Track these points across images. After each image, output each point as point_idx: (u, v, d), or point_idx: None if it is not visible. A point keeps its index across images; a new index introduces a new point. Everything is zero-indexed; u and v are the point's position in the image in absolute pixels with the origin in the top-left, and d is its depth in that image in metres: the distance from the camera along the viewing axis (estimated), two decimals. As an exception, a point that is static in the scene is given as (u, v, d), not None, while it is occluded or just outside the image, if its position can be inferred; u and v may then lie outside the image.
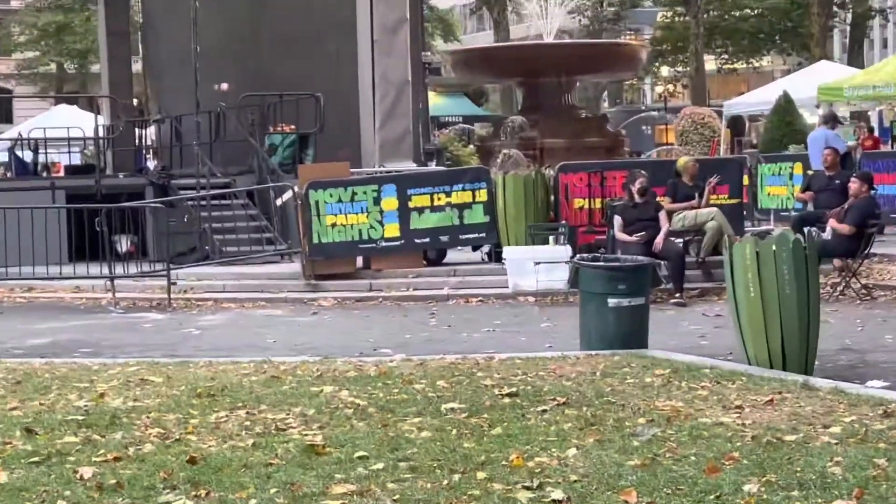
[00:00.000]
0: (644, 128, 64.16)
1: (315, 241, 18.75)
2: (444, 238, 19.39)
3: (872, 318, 14.81)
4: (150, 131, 29.70)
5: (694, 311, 15.93)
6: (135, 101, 34.02)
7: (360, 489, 6.63)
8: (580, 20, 62.43)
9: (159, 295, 18.47)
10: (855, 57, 53.35)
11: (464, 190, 19.23)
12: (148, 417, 8.69)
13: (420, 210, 19.06)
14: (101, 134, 27.34)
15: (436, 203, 19.12)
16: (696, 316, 15.54)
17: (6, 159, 32.40)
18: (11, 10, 69.56)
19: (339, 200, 18.88)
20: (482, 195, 19.14)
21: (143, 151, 29.21)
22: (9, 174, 29.92)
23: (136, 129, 29.93)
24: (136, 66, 36.21)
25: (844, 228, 16.88)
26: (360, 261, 19.35)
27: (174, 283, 18.59)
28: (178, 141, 26.16)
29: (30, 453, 7.55)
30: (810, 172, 20.42)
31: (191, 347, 14.01)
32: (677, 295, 16.76)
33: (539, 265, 17.45)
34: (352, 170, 20.57)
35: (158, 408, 9.04)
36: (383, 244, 19.10)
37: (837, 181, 18.42)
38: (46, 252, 20.03)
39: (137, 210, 21.36)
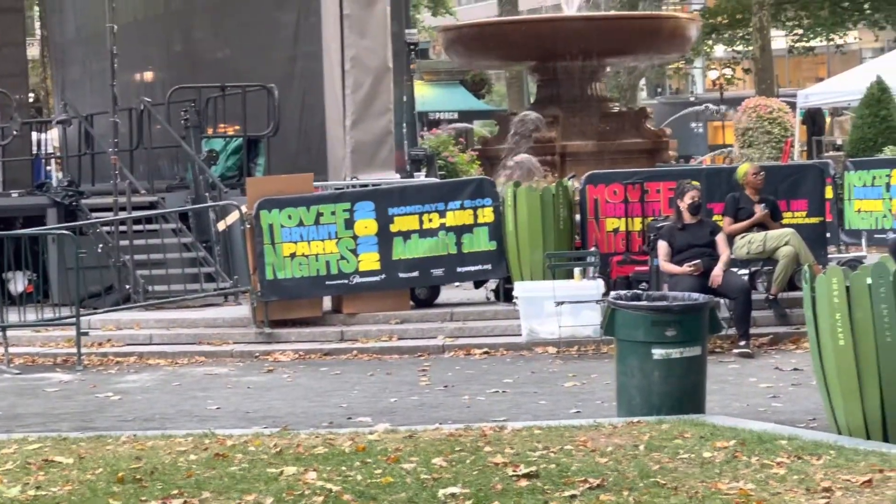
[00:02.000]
0: (694, 125, 64.46)
1: (269, 276, 18.67)
2: (437, 271, 19.33)
3: None
4: (52, 135, 29.63)
5: (764, 364, 15.90)
6: (31, 97, 33.92)
7: None
8: None
9: (66, 349, 18.28)
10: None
11: (462, 208, 19.23)
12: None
13: (405, 235, 19.03)
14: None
15: (426, 226, 19.11)
16: (768, 370, 15.50)
17: None
18: None
19: (301, 223, 18.81)
20: (486, 215, 19.17)
21: (44, 162, 29.14)
22: None
23: (34, 134, 29.90)
24: (33, 51, 36.16)
25: None
26: (328, 302, 19.35)
27: (86, 334, 18.33)
28: (88, 148, 26.01)
29: None
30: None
31: (109, 417, 13.88)
32: (742, 343, 16.71)
33: (562, 305, 17.43)
34: (316, 183, 20.52)
35: (69, 497, 8.98)
36: (358, 280, 19.05)
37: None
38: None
39: (36, 239, 21.15)
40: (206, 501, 8.77)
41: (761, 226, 18.25)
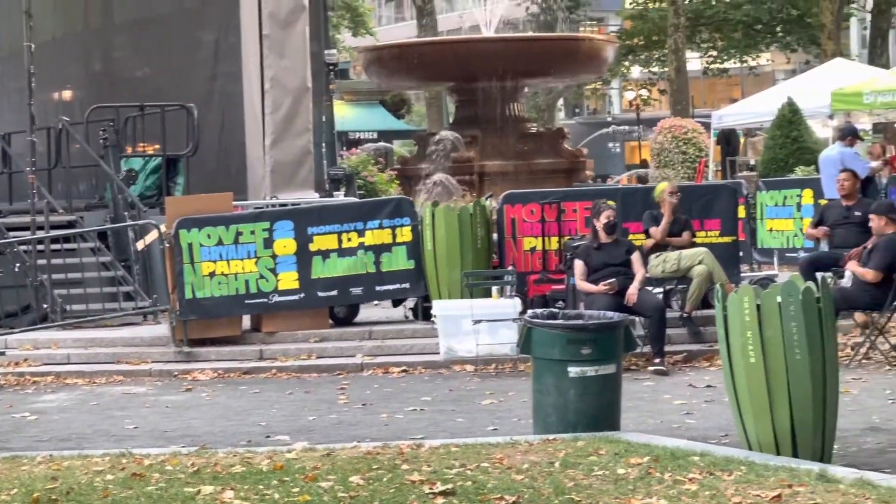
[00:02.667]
0: (611, 145, 64.68)
1: (188, 295, 18.54)
2: (355, 290, 19.29)
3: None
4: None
5: (678, 381, 15.97)
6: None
7: None
8: (528, 8, 62.77)
9: (-14, 368, 18.13)
10: (877, 54, 53.89)
11: (381, 228, 19.20)
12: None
13: (324, 254, 18.98)
14: None
15: (345, 245, 19.06)
16: (681, 387, 15.54)
17: None
18: None
19: (220, 243, 18.71)
20: (405, 234, 19.15)
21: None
22: None
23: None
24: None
25: (868, 274, 17.00)
26: (247, 321, 19.26)
27: (2, 354, 18.21)
28: (4, 167, 25.84)
29: None
30: (823, 202, 20.67)
31: (25, 437, 13.73)
32: (657, 360, 16.80)
33: (479, 324, 17.43)
34: (236, 202, 20.43)
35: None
36: (277, 299, 18.97)
37: (857, 213, 18.62)
38: None
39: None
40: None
41: (678, 236, 18.45)
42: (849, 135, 24.98)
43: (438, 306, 18.27)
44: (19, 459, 11.34)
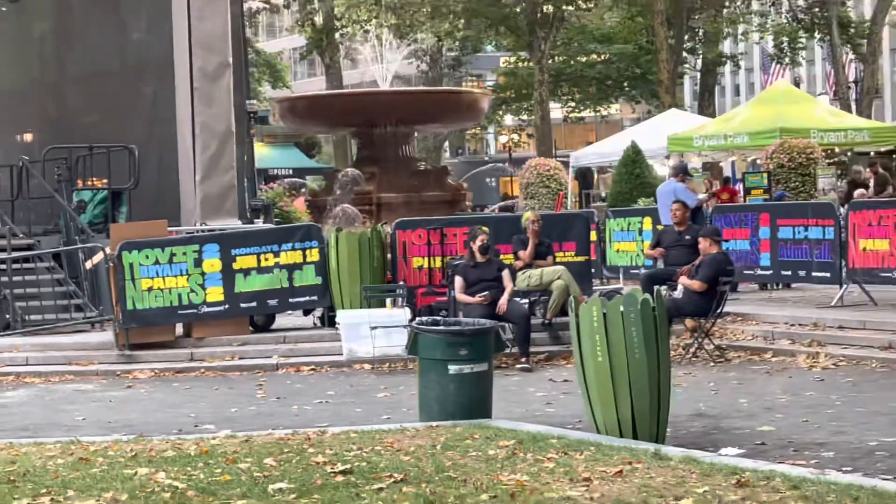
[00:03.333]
0: (488, 180, 64.82)
1: (129, 307, 18.32)
2: (272, 302, 19.19)
3: (726, 381, 15.07)
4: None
5: (540, 377, 15.99)
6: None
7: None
8: (418, 66, 62.90)
9: (-44, 368, 17.81)
10: (706, 105, 54.42)
11: (294, 249, 19.11)
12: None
13: (246, 272, 18.83)
14: None
15: (263, 264, 18.93)
16: (543, 382, 15.58)
17: None
18: None
19: (156, 262, 18.49)
20: (313, 255, 19.07)
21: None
22: None
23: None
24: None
25: (695, 285, 17.24)
26: (179, 328, 19.01)
27: (-28, 357, 17.95)
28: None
29: None
30: (660, 227, 20.81)
31: (-8, 427, 13.56)
32: (523, 360, 16.85)
33: (375, 330, 17.40)
34: (170, 228, 20.17)
35: (-50, 496, 8.78)
36: (206, 309, 18.79)
37: (688, 237, 18.82)
38: None
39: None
40: (70, 499, 8.59)
41: (542, 259, 18.57)
42: (680, 172, 25.12)
43: (341, 315, 18.23)
44: (13, 451, 11.17)
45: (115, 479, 9.17)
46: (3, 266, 20.64)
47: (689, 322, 17.47)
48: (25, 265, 21.36)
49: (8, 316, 20.21)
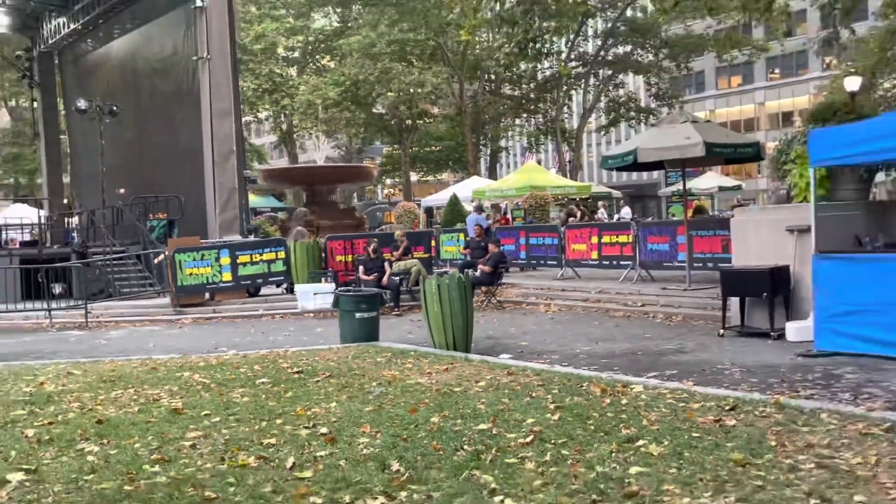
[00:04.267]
0: (378, 213, 64.83)
1: (179, 283, 17.99)
2: (259, 280, 18.86)
3: (503, 320, 15.19)
4: (75, 220, 28.26)
5: (404, 320, 15.94)
6: (65, 201, 32.24)
7: (205, 434, 6.49)
8: (339, 152, 62.47)
9: (80, 320, 17.24)
10: (493, 173, 54.88)
11: (270, 251, 18.85)
12: (71, 396, 8.25)
13: (244, 264, 18.53)
14: (42, 221, 26.18)
15: (254, 259, 18.65)
16: (406, 322, 15.54)
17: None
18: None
19: (194, 259, 18.15)
20: (281, 255, 18.81)
21: (70, 231, 27.87)
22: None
23: (66, 218, 28.82)
24: (66, 179, 34.41)
25: (487, 269, 17.41)
26: (207, 295, 18.66)
27: (89, 313, 17.44)
28: (91, 225, 24.94)
29: (-8, 423, 7.09)
30: (468, 238, 20.92)
31: (100, 352, 13.12)
32: (395, 310, 16.80)
33: (316, 295, 17.36)
34: (201, 241, 19.85)
35: (78, 390, 8.58)
36: (222, 285, 18.47)
37: (483, 243, 18.98)
38: (6, 295, 18.64)
39: (66, 268, 20.19)
40: (145, 389, 8.43)
41: (407, 255, 18.59)
42: (479, 208, 25.42)
43: (298, 287, 18.06)
44: (97, 362, 10.89)
45: (171, 379, 9.14)
46: (108, 262, 20.35)
47: (483, 289, 17.64)
48: (119, 261, 20.88)
49: (111, 289, 19.93)
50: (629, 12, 48.07)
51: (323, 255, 19.24)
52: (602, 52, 50.02)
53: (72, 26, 29.80)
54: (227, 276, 18.47)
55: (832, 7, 10.25)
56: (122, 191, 25.40)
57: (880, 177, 12.73)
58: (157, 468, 5.56)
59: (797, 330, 10.82)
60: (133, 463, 5.70)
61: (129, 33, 27.75)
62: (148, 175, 26.27)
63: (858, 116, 11.68)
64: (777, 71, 65.62)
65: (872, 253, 10.42)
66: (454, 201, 31.68)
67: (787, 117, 63.65)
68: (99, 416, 7.20)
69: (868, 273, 9.68)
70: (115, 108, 24.26)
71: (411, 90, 44.03)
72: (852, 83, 21.57)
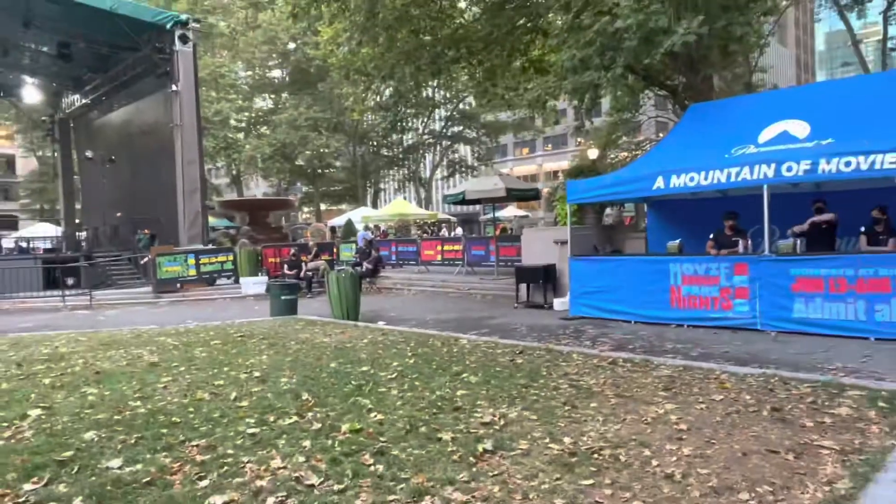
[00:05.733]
0: (299, 231, 62.96)
1: (159, 277, 16.78)
2: (215, 274, 17.81)
3: (380, 300, 14.95)
4: (84, 234, 25.90)
5: (316, 300, 15.41)
6: (77, 221, 29.55)
7: (174, 379, 6.10)
8: (272, 189, 60.04)
9: (86, 302, 15.81)
10: (375, 205, 54.07)
11: (223, 255, 17.93)
12: (77, 355, 7.55)
13: (205, 264, 17.54)
14: (59, 235, 23.79)
15: (212, 260, 17.69)
16: (316, 302, 15.01)
17: (12, 246, 28.34)
18: (16, 181, 61.39)
19: (169, 260, 17.02)
20: (231, 258, 17.90)
21: (80, 241, 25.51)
22: (14, 253, 25.83)
23: (76, 233, 26.38)
24: (78, 206, 31.50)
25: (370, 266, 17.21)
26: (179, 285, 17.45)
27: (93, 298, 16.00)
28: (96, 238, 22.92)
29: (16, 375, 6.40)
30: (358, 247, 20.58)
31: (100, 325, 12.01)
32: (309, 295, 16.30)
33: (255, 284, 16.63)
34: (175, 248, 18.63)
35: (84, 351, 7.86)
36: (189, 278, 17.30)
37: (368, 250, 18.74)
38: (32, 286, 16.89)
39: (76, 267, 18.44)
40: (131, 349, 7.80)
41: (317, 258, 18.08)
42: (366, 228, 25.14)
43: (242, 279, 17.25)
44: (98, 332, 9.95)
45: (150, 342, 8.50)
46: (108, 263, 18.76)
47: (367, 280, 17.42)
48: (115, 262, 19.26)
49: (108, 281, 18.42)
50: (461, 105, 48.90)
51: (259, 258, 18.44)
52: (444, 130, 50.62)
53: (83, 101, 27.76)
54: (193, 272, 17.39)
55: (580, 108, 10.81)
56: (118, 214, 23.48)
57: (608, 210, 13.45)
58: (138, 403, 5.20)
59: (560, 303, 11.27)
60: (121, 400, 5.30)
61: (124, 107, 25.74)
62: (138, 204, 24.32)
63: (596, 174, 12.33)
64: (550, 145, 68.67)
65: (603, 256, 10.97)
66: (349, 223, 31.20)
67: (555, 174, 66.37)
68: (97, 368, 6.64)
69: (599, 268, 10.18)
70: (112, 157, 22.50)
71: (321, 150, 43.27)
72: (592, 154, 22.78)
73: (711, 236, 9.26)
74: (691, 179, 8.58)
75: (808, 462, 3.65)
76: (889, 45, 24.57)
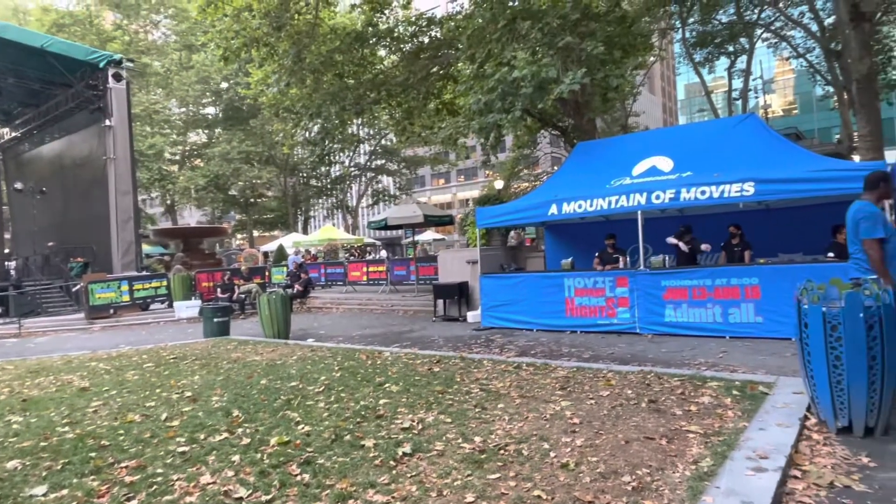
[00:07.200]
0: (232, 256, 60.45)
1: (91, 304, 15.55)
2: (149, 299, 16.71)
3: (310, 318, 14.51)
4: (13, 263, 23.59)
5: (249, 321, 14.76)
6: (6, 251, 26.85)
7: (104, 402, 5.64)
8: (206, 217, 57.24)
9: (15, 331, 14.35)
10: (305, 231, 52.65)
11: (157, 281, 16.88)
12: (4, 384, 6.82)
13: (140, 289, 16.44)
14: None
15: (147, 286, 16.61)
16: (248, 323, 14.37)
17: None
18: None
19: (101, 287, 15.83)
20: (164, 283, 16.89)
21: (8, 270, 23.19)
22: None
23: (5, 262, 23.95)
24: (8, 235, 28.65)
25: (300, 288, 16.73)
26: (112, 311, 16.28)
27: (21, 326, 14.58)
28: (26, 267, 20.91)
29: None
30: (289, 270, 19.95)
31: (29, 352, 10.96)
32: (241, 316, 15.61)
33: (189, 308, 15.74)
34: (108, 276, 17.31)
35: (10, 380, 7.11)
36: (123, 304, 16.14)
37: (298, 273, 18.19)
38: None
39: (6, 296, 16.73)
40: (61, 376, 7.15)
41: (250, 281, 17.38)
42: (297, 252, 24.47)
43: (176, 303, 16.26)
44: (26, 359, 9.06)
45: (81, 368, 7.83)
46: (38, 291, 17.13)
47: (298, 300, 16.93)
48: (48, 291, 17.64)
49: (38, 310, 16.73)
50: (383, 141, 49.03)
51: (193, 282, 17.51)
52: (368, 163, 50.50)
53: (13, 134, 25.44)
54: (126, 297, 16.23)
55: (486, 145, 11.19)
56: (50, 244, 21.53)
57: (512, 233, 13.85)
58: (66, 428, 4.76)
59: (473, 316, 11.40)
60: (48, 427, 4.84)
61: (57, 140, 23.79)
62: (71, 233, 22.40)
63: (501, 202, 12.68)
64: (462, 177, 70.07)
65: (507, 274, 11.25)
66: (281, 248, 30.27)
67: (467, 202, 67.70)
68: (24, 395, 6.03)
69: (505, 284, 10.42)
70: (43, 189, 20.73)
71: (253, 181, 41.93)
72: (498, 184, 23.46)
73: (597, 254, 9.77)
74: (579, 206, 9.08)
75: (678, 445, 3.80)
76: (733, 95, 27.17)
